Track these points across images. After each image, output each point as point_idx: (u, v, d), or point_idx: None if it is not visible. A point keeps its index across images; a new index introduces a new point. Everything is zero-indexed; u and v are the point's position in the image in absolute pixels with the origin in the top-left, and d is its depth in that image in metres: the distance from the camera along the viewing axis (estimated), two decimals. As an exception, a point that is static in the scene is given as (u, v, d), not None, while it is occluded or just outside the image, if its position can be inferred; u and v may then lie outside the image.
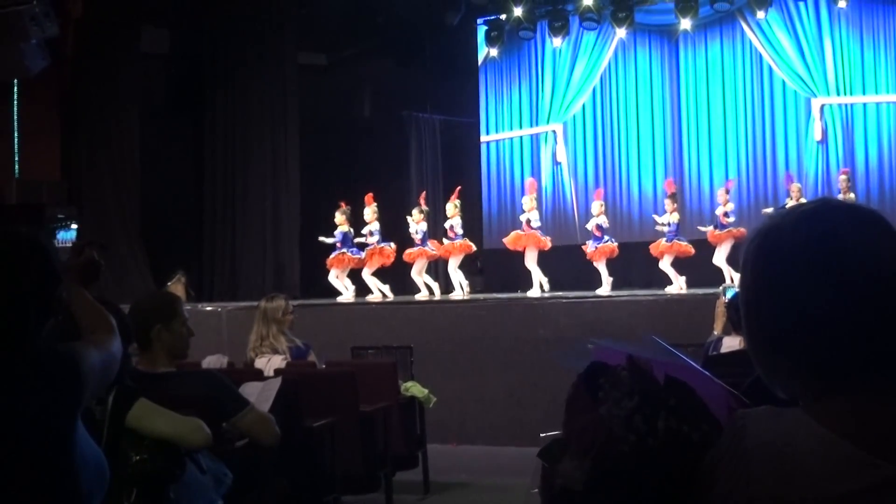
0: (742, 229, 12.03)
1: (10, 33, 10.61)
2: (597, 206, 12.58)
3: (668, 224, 12.24)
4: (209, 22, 14.82)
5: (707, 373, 1.31)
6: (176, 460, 3.11)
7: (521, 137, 15.89)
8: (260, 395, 4.53)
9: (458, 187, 13.12)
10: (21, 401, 2.13)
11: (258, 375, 5.77)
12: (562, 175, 15.46)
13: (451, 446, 9.09)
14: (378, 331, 9.95)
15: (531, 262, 12.39)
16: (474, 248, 12.77)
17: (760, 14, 13.81)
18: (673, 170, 14.59)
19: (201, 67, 14.89)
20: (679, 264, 12.14)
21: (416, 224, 12.48)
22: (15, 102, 12.68)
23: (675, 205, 12.42)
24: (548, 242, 12.55)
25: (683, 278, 11.95)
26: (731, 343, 5.59)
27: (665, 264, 12.19)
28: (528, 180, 14.04)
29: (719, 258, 12.04)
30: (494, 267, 14.66)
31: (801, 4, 13.87)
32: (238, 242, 14.61)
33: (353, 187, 13.12)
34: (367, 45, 15.47)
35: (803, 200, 11.34)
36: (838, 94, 13.84)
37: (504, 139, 16.04)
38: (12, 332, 2.18)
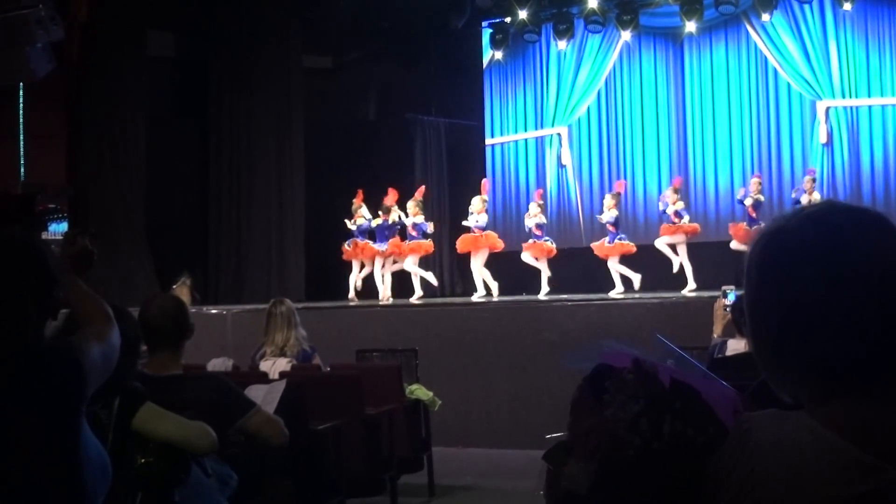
0: (696, 225, 12.36)
1: (16, 37, 10.62)
2: (534, 207, 12.79)
3: (610, 221, 12.39)
4: (215, 25, 14.85)
5: (713, 375, 1.31)
6: (181, 463, 3.11)
7: (525, 140, 15.88)
8: (264, 399, 4.53)
9: (422, 187, 13.19)
10: (26, 400, 2.14)
11: (263, 378, 5.78)
12: (567, 178, 15.45)
13: (456, 449, 9.09)
14: (383, 333, 9.95)
15: (478, 265, 12.47)
16: (431, 249, 12.83)
17: (765, 17, 13.79)
18: (678, 172, 14.58)
19: (207, 71, 14.91)
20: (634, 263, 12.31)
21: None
22: (21, 106, 12.69)
23: (615, 202, 12.52)
24: (500, 243, 12.72)
25: (639, 276, 12.16)
26: (737, 346, 5.57)
27: (613, 265, 12.25)
28: (483, 182, 14.03)
29: (669, 252, 12.28)
30: (498, 270, 14.65)
31: (806, 7, 13.85)
32: (243, 245, 14.63)
33: (357, 190, 13.14)
34: (373, 48, 15.49)
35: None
36: (844, 97, 13.83)
37: (509, 142, 16.03)
38: (12, 334, 2.19)
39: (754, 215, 12.20)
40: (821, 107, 13.89)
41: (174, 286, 9.36)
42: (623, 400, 1.21)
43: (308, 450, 5.29)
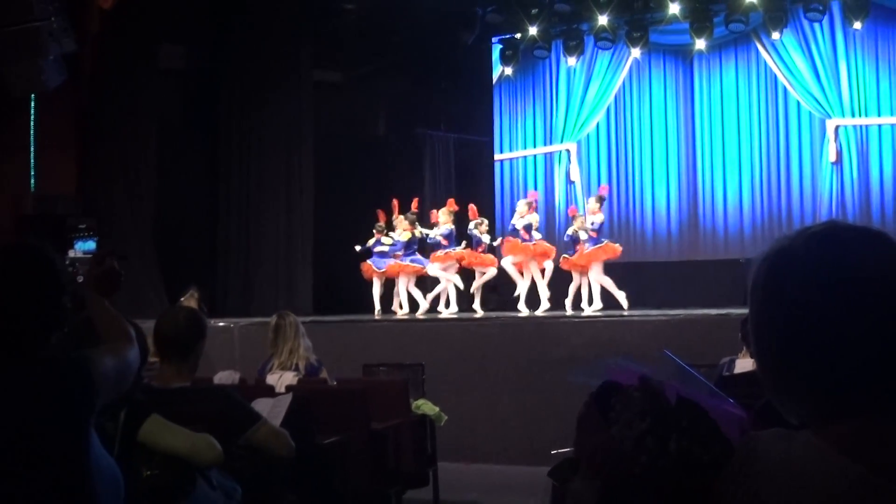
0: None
1: (29, 49, 10.70)
2: (521, 205, 12.63)
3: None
4: (225, 39, 14.90)
5: (720, 393, 1.30)
6: (186, 476, 3.11)
7: (534, 156, 15.91)
8: (270, 412, 4.53)
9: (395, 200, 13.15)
10: (32, 408, 2.14)
11: (270, 392, 5.78)
12: (575, 194, 15.46)
13: (462, 465, 9.06)
14: (389, 348, 9.93)
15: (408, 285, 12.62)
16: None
17: (775, 35, 13.80)
18: (687, 189, 14.58)
19: (217, 84, 14.96)
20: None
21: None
22: (32, 117, 12.74)
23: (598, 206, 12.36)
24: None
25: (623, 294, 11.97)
26: (745, 364, 5.57)
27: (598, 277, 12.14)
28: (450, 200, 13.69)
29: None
30: (508, 285, 14.66)
31: (816, 25, 13.86)
32: (251, 258, 14.63)
33: (366, 205, 13.15)
34: (383, 63, 15.52)
35: (535, 217, 11.58)
36: (853, 116, 13.82)
37: (518, 158, 16.06)
38: (17, 341, 2.20)
39: (527, 237, 12.27)
40: (830, 125, 13.89)
41: (182, 299, 9.38)
42: (629, 417, 1.21)
43: (313, 464, 5.27)
